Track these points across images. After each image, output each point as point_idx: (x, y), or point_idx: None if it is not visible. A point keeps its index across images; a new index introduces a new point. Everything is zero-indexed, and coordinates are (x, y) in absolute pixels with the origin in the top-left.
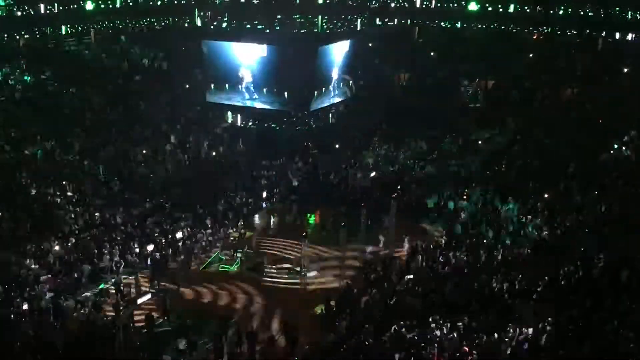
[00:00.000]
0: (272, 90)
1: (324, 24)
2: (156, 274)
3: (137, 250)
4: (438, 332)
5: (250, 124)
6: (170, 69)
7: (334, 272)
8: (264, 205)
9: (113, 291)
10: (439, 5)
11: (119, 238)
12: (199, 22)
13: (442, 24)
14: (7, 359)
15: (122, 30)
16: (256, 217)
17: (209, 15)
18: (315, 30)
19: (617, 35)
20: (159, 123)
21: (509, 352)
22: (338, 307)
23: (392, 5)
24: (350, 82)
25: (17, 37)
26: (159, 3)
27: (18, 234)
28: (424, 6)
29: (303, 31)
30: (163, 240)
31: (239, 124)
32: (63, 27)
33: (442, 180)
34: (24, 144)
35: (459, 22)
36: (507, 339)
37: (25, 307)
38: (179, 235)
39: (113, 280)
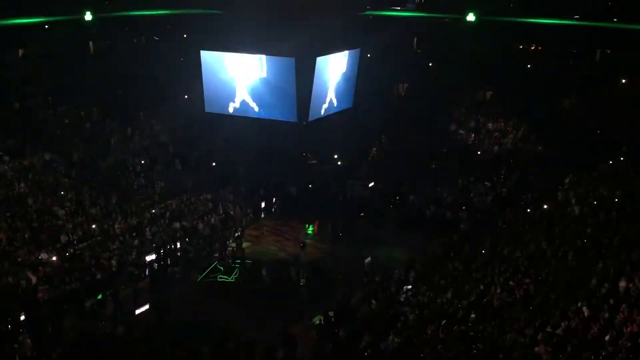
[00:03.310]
0: (272, 99)
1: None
2: (155, 284)
3: (135, 260)
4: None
5: (249, 133)
6: (169, 79)
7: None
8: (262, 215)
9: (111, 302)
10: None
11: (117, 248)
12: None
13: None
14: None
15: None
16: None
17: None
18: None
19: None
20: (157, 133)
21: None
22: (337, 317)
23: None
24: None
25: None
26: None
27: (15, 244)
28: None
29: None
30: (162, 250)
31: (238, 134)
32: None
33: None
34: (22, 154)
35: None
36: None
37: (22, 317)
38: (178, 245)
39: (111, 290)
